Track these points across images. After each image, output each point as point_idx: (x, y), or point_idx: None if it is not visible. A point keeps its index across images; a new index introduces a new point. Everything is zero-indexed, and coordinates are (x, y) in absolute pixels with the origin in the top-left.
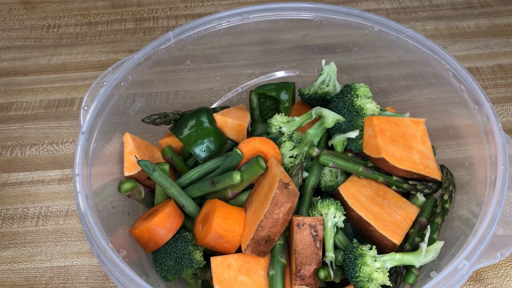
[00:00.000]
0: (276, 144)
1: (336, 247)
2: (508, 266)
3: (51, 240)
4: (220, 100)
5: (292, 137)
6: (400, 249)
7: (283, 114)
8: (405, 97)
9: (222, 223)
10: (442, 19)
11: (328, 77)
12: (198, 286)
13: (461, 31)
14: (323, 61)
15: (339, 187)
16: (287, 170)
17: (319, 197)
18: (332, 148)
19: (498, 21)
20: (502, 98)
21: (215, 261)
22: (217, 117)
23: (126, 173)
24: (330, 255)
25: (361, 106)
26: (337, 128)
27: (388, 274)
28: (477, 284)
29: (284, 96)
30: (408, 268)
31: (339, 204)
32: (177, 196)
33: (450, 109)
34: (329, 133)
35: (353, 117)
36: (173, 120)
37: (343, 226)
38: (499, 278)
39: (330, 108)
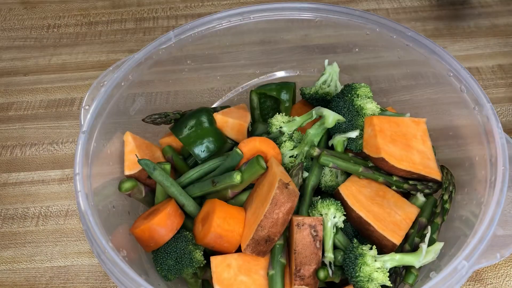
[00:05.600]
0: (277, 144)
1: (335, 247)
2: (508, 266)
3: (51, 240)
4: (221, 100)
5: (293, 137)
6: (400, 249)
7: (284, 114)
8: (406, 97)
9: (222, 222)
10: (442, 19)
11: (330, 77)
12: (198, 286)
13: (461, 31)
14: (326, 62)
15: (339, 187)
16: (287, 170)
17: (319, 197)
18: (332, 148)
19: (498, 21)
20: (502, 98)
21: (215, 260)
22: (218, 116)
23: (127, 172)
24: (330, 255)
25: (361, 106)
26: (337, 128)
27: (388, 274)
28: (476, 284)
29: (284, 96)
30: (408, 268)
31: (339, 204)
32: (177, 195)
33: (450, 109)
34: (330, 133)
35: (353, 117)
36: (174, 119)
37: (343, 226)
38: (498, 278)
39: (330, 108)
